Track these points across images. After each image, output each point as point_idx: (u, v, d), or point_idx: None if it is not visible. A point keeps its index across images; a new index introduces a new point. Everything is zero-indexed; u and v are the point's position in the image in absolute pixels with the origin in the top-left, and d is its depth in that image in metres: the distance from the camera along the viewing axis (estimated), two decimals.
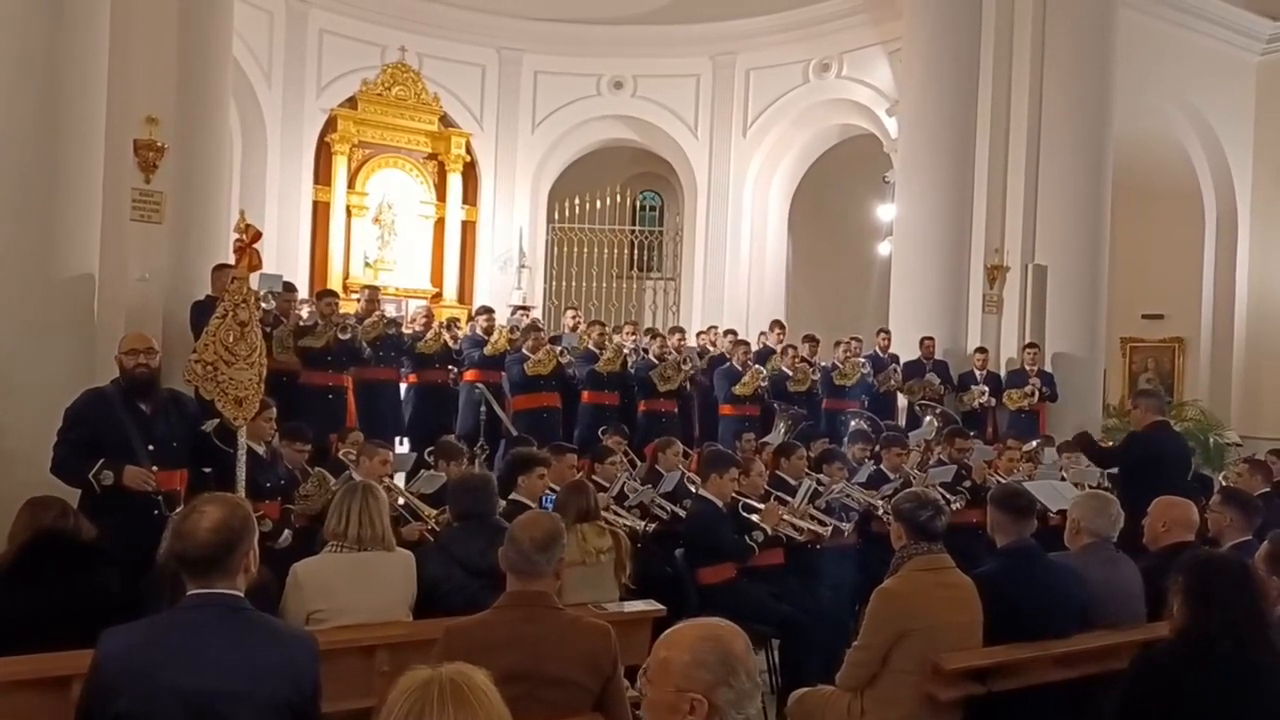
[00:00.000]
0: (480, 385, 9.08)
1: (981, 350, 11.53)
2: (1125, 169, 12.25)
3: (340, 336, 8.03)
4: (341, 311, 8.49)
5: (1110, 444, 7.50)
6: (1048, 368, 11.52)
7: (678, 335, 10.89)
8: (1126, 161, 12.30)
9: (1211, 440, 12.52)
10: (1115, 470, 6.52)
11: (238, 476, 4.61)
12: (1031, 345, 11.71)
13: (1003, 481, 7.28)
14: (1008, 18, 11.97)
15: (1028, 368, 11.35)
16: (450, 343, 9.40)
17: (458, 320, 10.96)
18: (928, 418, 9.57)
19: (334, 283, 12.79)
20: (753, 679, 1.90)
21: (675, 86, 15.14)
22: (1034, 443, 9.24)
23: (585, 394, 9.41)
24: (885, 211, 13.84)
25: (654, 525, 5.82)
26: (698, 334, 12.23)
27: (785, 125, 14.88)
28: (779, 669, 5.39)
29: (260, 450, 5.42)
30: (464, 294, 14.36)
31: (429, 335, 9.17)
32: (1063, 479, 7.41)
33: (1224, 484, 9.24)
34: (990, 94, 11.89)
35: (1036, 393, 11.00)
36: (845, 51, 13.88)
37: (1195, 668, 2.74)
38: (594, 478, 6.25)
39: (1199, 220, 14.22)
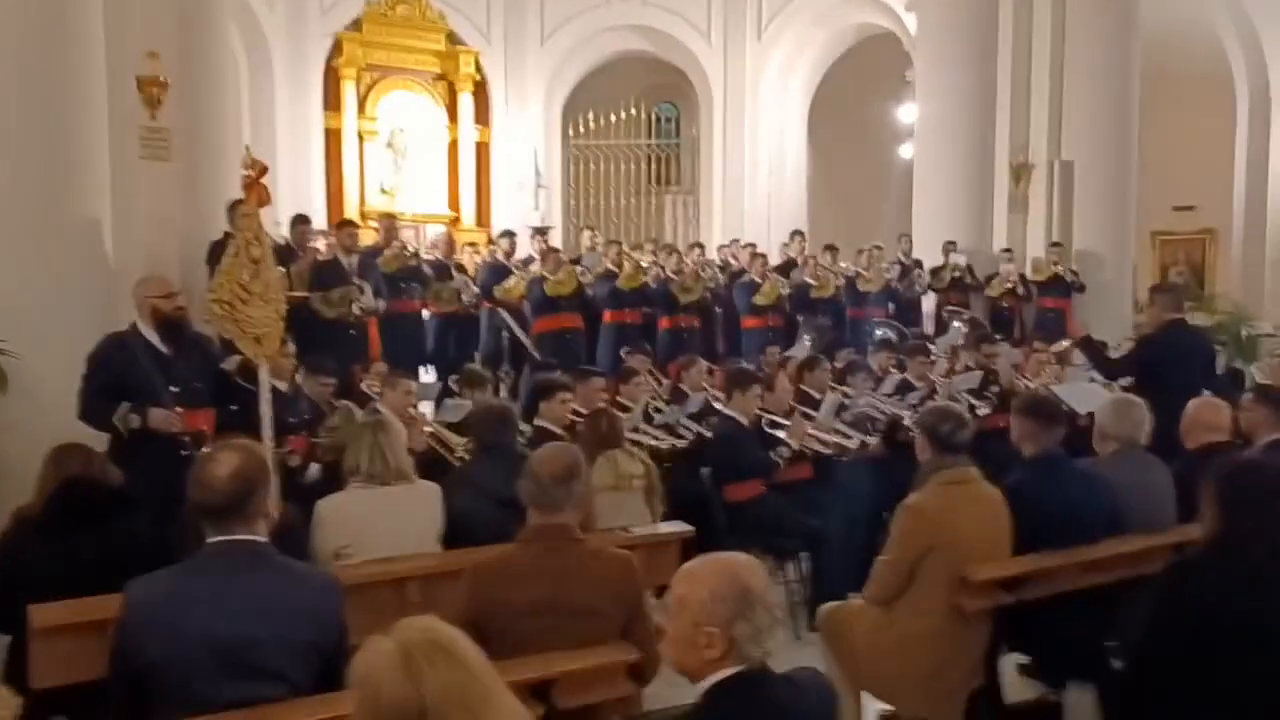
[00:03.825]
0: (501, 310, 9.05)
1: (1007, 250, 11.35)
2: (1153, 57, 11.82)
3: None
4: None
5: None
6: (1072, 266, 11.33)
7: (697, 250, 10.79)
8: (1155, 49, 11.87)
9: (1244, 332, 12.30)
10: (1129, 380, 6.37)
11: (262, 414, 4.62)
12: (1056, 244, 11.52)
13: (1031, 385, 7.23)
14: None
15: (1053, 266, 11.18)
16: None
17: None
18: (955, 323, 9.45)
19: (350, 211, 12.69)
20: (771, 613, 1.89)
21: None
22: (1063, 344, 9.14)
23: (606, 313, 9.37)
24: (906, 113, 13.50)
25: (681, 445, 5.80)
26: (719, 248, 12.11)
27: (801, 26, 14.45)
28: (808, 581, 5.43)
29: (284, 387, 5.43)
30: (481, 217, 14.23)
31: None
32: (1092, 380, 7.34)
33: (1256, 377, 9.19)
34: None
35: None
36: None
37: (1227, 574, 2.71)
38: (619, 399, 6.26)
39: (1230, 108, 13.76)
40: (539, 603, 2.69)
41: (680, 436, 6.00)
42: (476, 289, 9.31)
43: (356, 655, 1.61)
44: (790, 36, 14.54)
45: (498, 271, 9.58)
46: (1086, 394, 6.07)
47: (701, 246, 11.07)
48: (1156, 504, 3.98)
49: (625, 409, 6.02)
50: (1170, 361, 5.70)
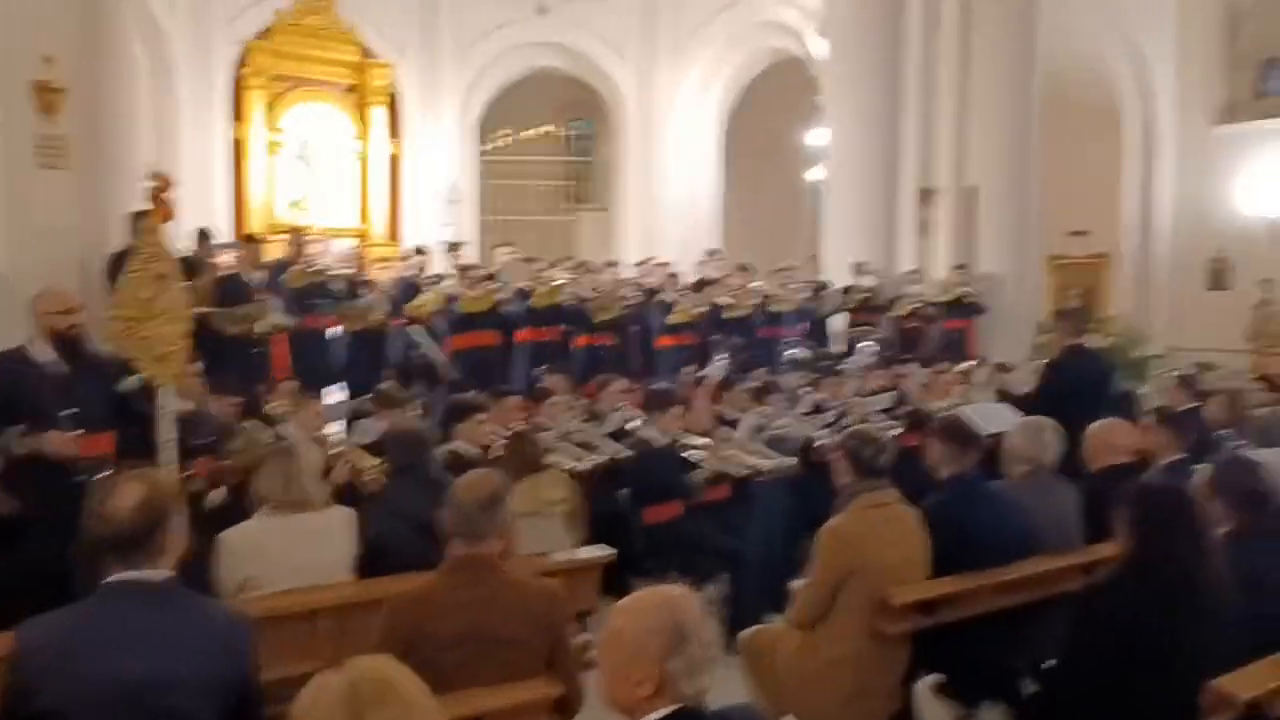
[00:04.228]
0: (413, 327, 8.88)
1: (914, 272, 11.62)
2: (1050, 87, 12.29)
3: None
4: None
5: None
6: (978, 287, 11.65)
7: (611, 268, 10.79)
8: (1051, 80, 12.33)
9: (1136, 354, 12.82)
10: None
11: (163, 438, 4.43)
12: (960, 266, 11.84)
13: (940, 405, 7.39)
14: None
15: (957, 288, 11.48)
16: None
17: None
18: (864, 343, 9.63)
19: (257, 224, 12.36)
20: (706, 648, 1.86)
21: (601, 10, 14.75)
22: (968, 363, 9.39)
23: (522, 331, 9.28)
24: (816, 136, 13.75)
25: (598, 465, 5.76)
26: (636, 264, 12.12)
27: (714, 49, 14.64)
28: (727, 603, 5.44)
29: (186, 407, 5.22)
30: (393, 231, 13.99)
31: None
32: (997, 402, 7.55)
33: (1145, 394, 9.57)
34: (919, 13, 11.79)
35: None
36: None
37: (1141, 596, 2.78)
38: (535, 419, 6.19)
39: (1121, 137, 14.40)
40: (462, 635, 2.62)
41: (597, 456, 5.96)
42: (388, 305, 9.14)
43: (303, 690, 1.55)
44: (704, 58, 14.71)
45: (409, 287, 9.42)
46: (993, 415, 6.22)
47: (616, 264, 11.07)
48: (1065, 525, 4.09)
49: (542, 429, 5.96)
50: (1073, 385, 5.88)
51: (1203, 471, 3.34)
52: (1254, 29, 13.86)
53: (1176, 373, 9.29)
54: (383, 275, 10.45)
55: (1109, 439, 4.41)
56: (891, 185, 11.69)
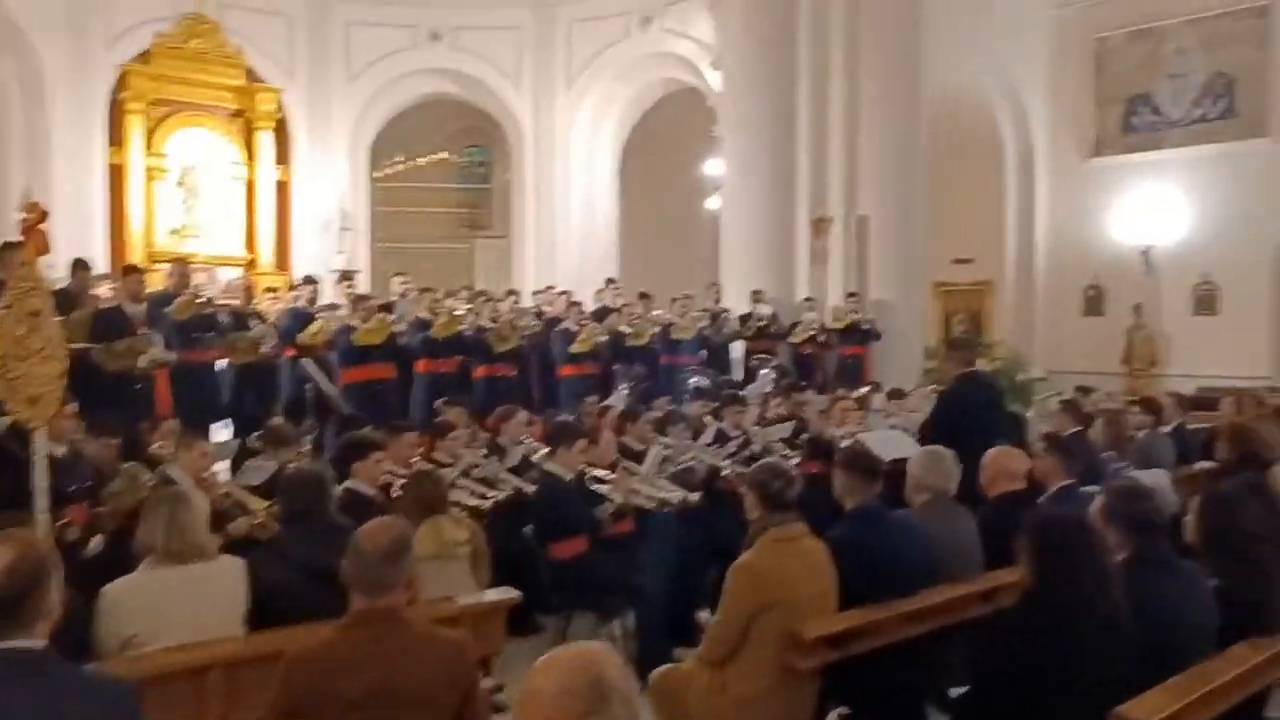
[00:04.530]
0: (305, 360, 8.61)
1: (810, 300, 11.83)
2: (936, 121, 12.73)
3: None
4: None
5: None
6: (868, 314, 11.93)
7: (512, 297, 10.69)
8: (937, 114, 12.78)
9: (1019, 377, 13.29)
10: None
11: (37, 485, 4.15)
12: (853, 294, 12.12)
13: (839, 432, 7.50)
14: None
15: (852, 315, 11.74)
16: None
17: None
18: (763, 370, 9.74)
19: (136, 254, 11.86)
20: (628, 706, 1.79)
21: (496, 38, 14.71)
22: (863, 390, 9.59)
23: (420, 363, 9.09)
24: (713, 166, 13.93)
25: (501, 502, 5.64)
26: (533, 293, 12.04)
27: (610, 79, 14.73)
28: (634, 638, 5.38)
29: (60, 451, 4.92)
30: (281, 260, 13.61)
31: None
32: (892, 427, 7.71)
33: (1029, 417, 9.91)
34: (808, 48, 12.08)
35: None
36: (667, 4, 13.79)
37: (1045, 625, 2.83)
38: (435, 455, 6.04)
39: (1002, 168, 14.99)
40: (366, 694, 2.49)
41: (500, 492, 5.84)
42: (277, 337, 8.84)
43: None
44: (600, 88, 14.79)
45: (300, 318, 9.13)
46: (891, 442, 6.34)
47: (516, 293, 10.97)
48: (966, 552, 4.17)
49: (442, 465, 5.82)
50: (967, 411, 6.03)
51: (1097, 498, 3.44)
52: (1119, 68, 14.63)
53: (1060, 397, 9.69)
54: (271, 306, 10.12)
55: (1006, 465, 4.51)
56: (787, 215, 11.91)
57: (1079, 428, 6.90)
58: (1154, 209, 14.08)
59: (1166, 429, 8.01)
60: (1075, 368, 13.57)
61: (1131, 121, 14.58)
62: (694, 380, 9.20)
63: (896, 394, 9.10)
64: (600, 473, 5.52)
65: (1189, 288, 13.97)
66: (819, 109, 12.22)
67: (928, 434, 6.42)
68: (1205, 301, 13.90)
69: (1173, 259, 14.02)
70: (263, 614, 3.63)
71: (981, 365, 11.45)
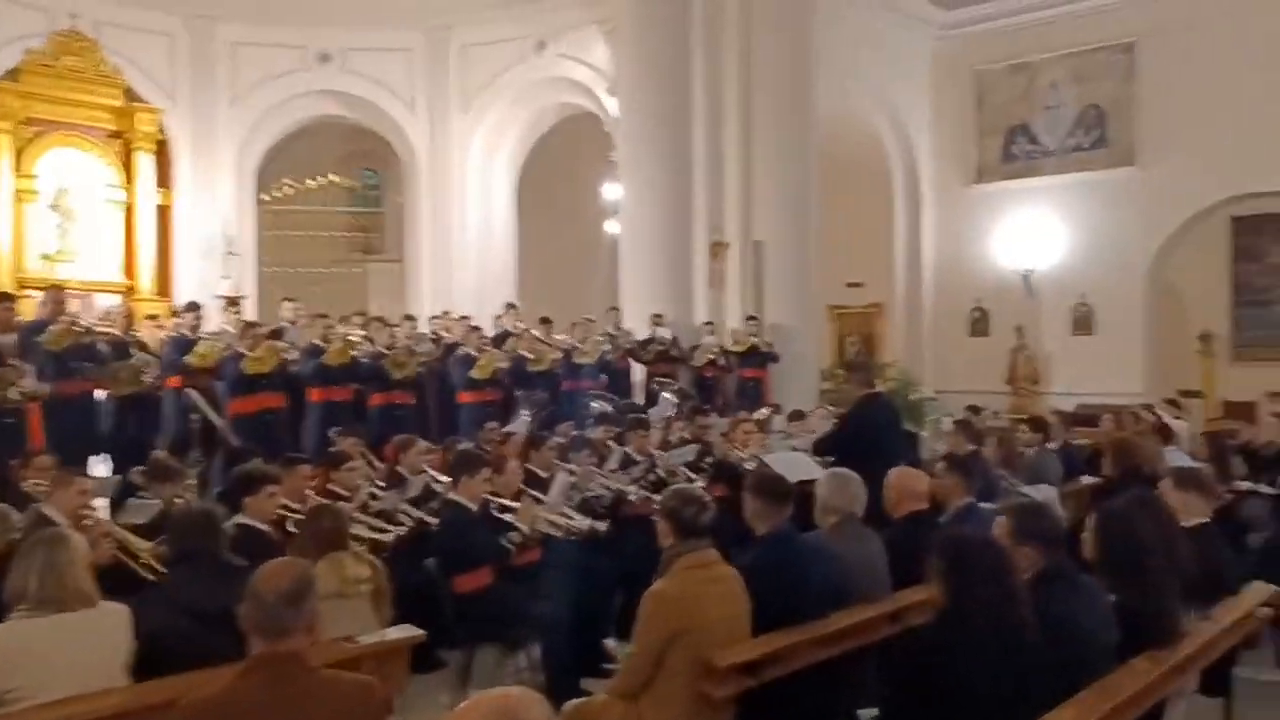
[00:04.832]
0: (190, 389, 8.25)
1: (709, 323, 11.93)
2: (828, 148, 13.04)
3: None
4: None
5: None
6: (767, 337, 12.09)
7: (408, 323, 10.48)
8: (830, 141, 13.10)
9: (912, 397, 13.66)
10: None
11: None
12: (752, 317, 12.27)
13: (742, 454, 7.55)
14: (716, 2, 12.35)
15: (750, 338, 11.88)
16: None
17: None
18: (665, 394, 9.75)
19: (5, 280, 11.23)
20: None
21: (387, 60, 14.49)
22: (763, 411, 9.69)
23: (313, 392, 8.81)
24: (611, 190, 13.97)
25: (403, 536, 5.47)
26: (430, 318, 11.83)
27: (505, 103, 14.65)
28: (540, 670, 5.27)
29: None
30: (162, 286, 13.08)
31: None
32: (794, 449, 7.80)
33: (924, 436, 10.17)
34: (703, 77, 12.25)
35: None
36: (561, 29, 13.80)
37: (957, 645, 2.85)
38: (331, 488, 5.83)
39: (891, 194, 15.45)
40: None
41: (400, 525, 5.67)
42: (159, 367, 8.46)
43: None
44: (495, 112, 14.68)
45: (183, 346, 8.76)
46: (794, 464, 6.38)
47: (413, 319, 10.76)
48: (875, 573, 4.20)
49: (339, 497, 5.62)
50: (870, 432, 6.13)
51: (998, 517, 3.50)
52: (998, 100, 15.26)
53: (950, 417, 9.96)
54: (153, 334, 9.68)
55: (910, 486, 4.59)
56: (685, 239, 12.01)
57: (974, 447, 7.09)
58: (1033, 234, 14.70)
59: (1053, 446, 8.31)
60: (962, 387, 14.02)
61: (1011, 150, 15.21)
62: (596, 405, 9.14)
63: (797, 415, 9.22)
64: (506, 501, 5.40)
65: (1067, 309, 14.60)
66: (714, 136, 12.38)
67: (824, 449, 6.51)
68: (1082, 322, 14.55)
69: (1051, 281, 14.65)
70: (148, 662, 3.41)
71: (878, 386, 11.77)
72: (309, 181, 14.86)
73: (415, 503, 5.92)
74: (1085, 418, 10.48)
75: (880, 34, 14.42)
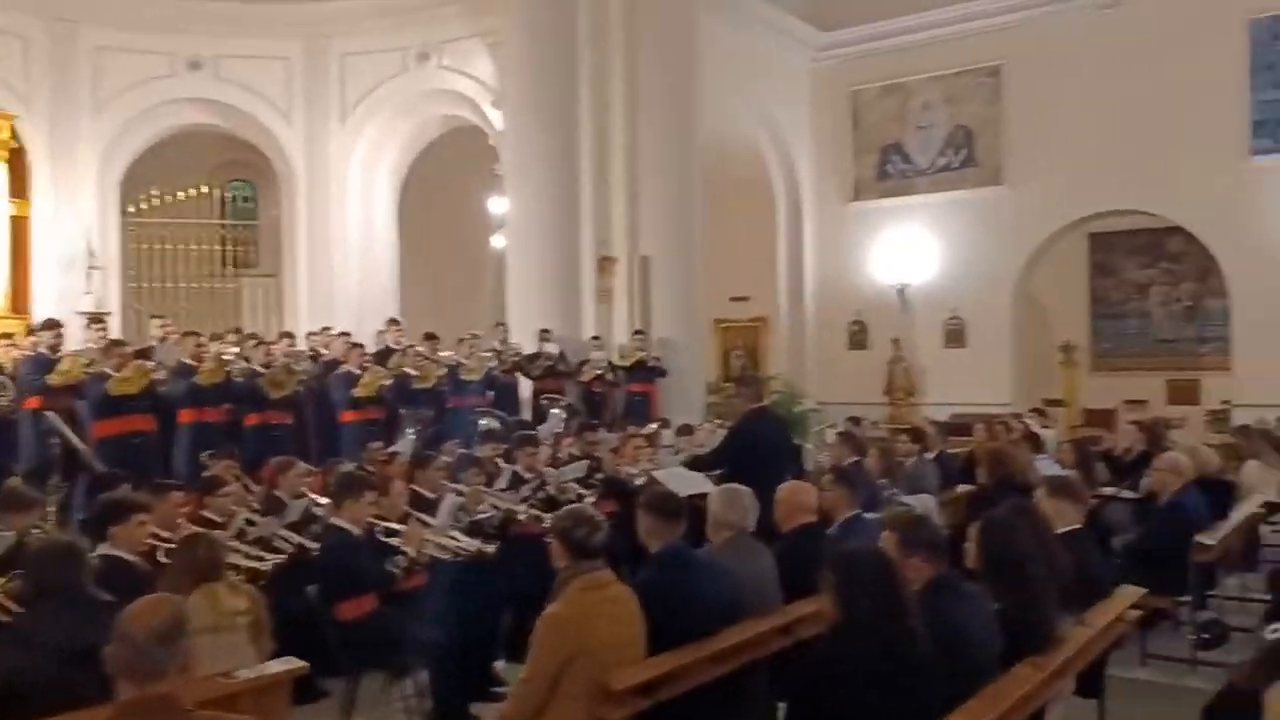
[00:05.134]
0: (49, 412, 7.79)
1: (596, 338, 11.92)
2: (713, 164, 13.23)
3: None
4: None
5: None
6: (654, 352, 12.15)
7: (286, 340, 10.14)
8: (714, 158, 13.29)
9: (796, 409, 13.92)
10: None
11: None
12: (639, 332, 12.32)
13: (631, 470, 7.55)
14: (603, 17, 12.39)
15: (638, 353, 11.92)
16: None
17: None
18: (554, 410, 9.67)
19: None
20: None
21: (262, 69, 14.04)
22: (652, 426, 9.72)
23: (184, 413, 8.43)
24: (497, 204, 13.84)
25: (281, 564, 5.26)
26: (308, 334, 11.46)
27: (386, 114, 14.35)
28: (427, 695, 5.13)
29: None
30: (18, 301, 12.34)
31: None
32: (683, 463, 7.82)
33: (809, 447, 10.37)
34: (588, 92, 12.26)
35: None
36: (444, 41, 13.62)
37: (852, 657, 2.88)
38: (204, 514, 5.58)
39: (773, 210, 15.76)
40: None
41: (279, 552, 5.45)
42: (15, 389, 7.97)
43: None
44: (376, 123, 14.37)
45: (42, 365, 8.27)
46: (685, 478, 6.40)
47: (291, 336, 10.40)
48: (767, 587, 4.23)
49: (213, 525, 5.37)
50: (759, 446, 6.19)
51: (885, 530, 3.57)
52: (873, 119, 15.75)
53: (833, 428, 10.19)
54: (8, 353, 9.10)
55: (799, 499, 4.64)
56: (573, 253, 11.98)
57: (856, 458, 7.24)
58: (908, 250, 15.21)
59: (931, 455, 8.58)
60: (843, 398, 14.40)
61: (885, 169, 15.71)
62: (484, 422, 8.99)
63: (685, 430, 9.28)
64: (391, 525, 5.25)
65: (940, 322, 15.13)
66: (600, 151, 12.41)
67: (705, 465, 6.56)
68: (954, 335, 15.10)
69: (925, 296, 15.17)
70: (5, 706, 3.18)
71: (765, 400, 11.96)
72: (179, 193, 14.26)
73: (295, 528, 5.71)
74: (959, 427, 10.86)
75: (762, 54, 14.72)
